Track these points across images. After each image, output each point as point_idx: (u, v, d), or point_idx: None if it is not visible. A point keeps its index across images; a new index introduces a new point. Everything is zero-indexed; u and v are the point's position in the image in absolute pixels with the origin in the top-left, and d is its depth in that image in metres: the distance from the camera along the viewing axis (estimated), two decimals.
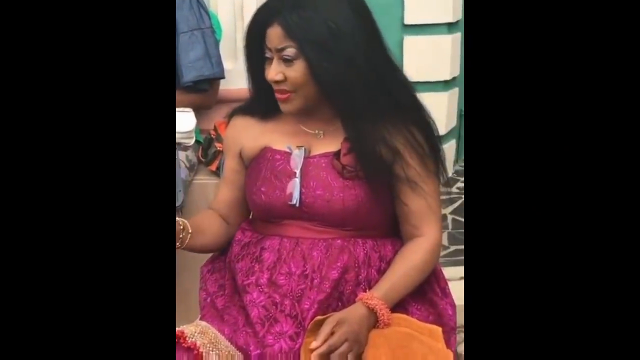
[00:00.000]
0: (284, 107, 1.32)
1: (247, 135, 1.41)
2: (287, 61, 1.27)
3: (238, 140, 1.42)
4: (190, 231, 1.35)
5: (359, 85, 1.27)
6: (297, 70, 1.27)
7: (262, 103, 1.38)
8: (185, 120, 2.20)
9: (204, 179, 2.25)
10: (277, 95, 1.31)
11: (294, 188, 1.32)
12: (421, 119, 1.35)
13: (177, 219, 1.34)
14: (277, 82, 1.29)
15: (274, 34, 1.27)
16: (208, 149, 2.32)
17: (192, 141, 2.23)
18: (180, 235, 1.34)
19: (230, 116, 1.45)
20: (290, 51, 1.27)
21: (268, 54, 1.30)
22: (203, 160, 2.31)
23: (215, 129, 2.33)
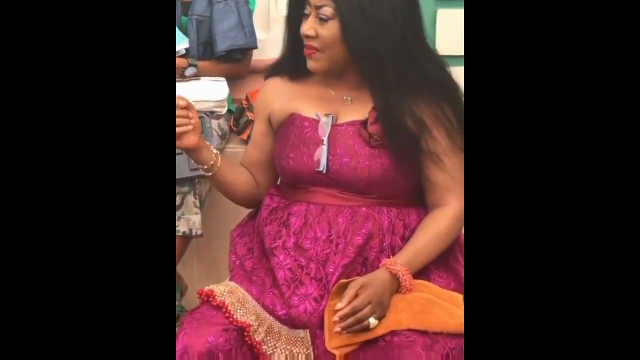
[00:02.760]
0: (310, 63, 1.35)
1: (276, 99, 1.44)
2: (323, 20, 1.31)
3: (268, 105, 1.45)
4: (219, 162, 1.39)
5: (389, 54, 1.29)
6: (329, 30, 1.31)
7: (293, 61, 1.41)
8: (218, 89, 2.25)
9: (235, 148, 2.30)
10: (305, 51, 1.35)
11: (322, 155, 1.35)
12: (452, 94, 1.37)
13: (213, 149, 1.39)
14: (308, 37, 1.33)
15: None
16: (240, 118, 2.36)
17: (225, 110, 2.29)
18: (211, 162, 1.38)
19: (266, 76, 1.48)
20: (327, 10, 1.30)
21: (307, 10, 1.33)
22: (235, 129, 2.36)
23: (247, 99, 2.37)
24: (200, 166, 1.40)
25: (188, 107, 1.33)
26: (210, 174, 1.40)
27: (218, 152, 1.41)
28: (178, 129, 1.31)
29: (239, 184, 1.46)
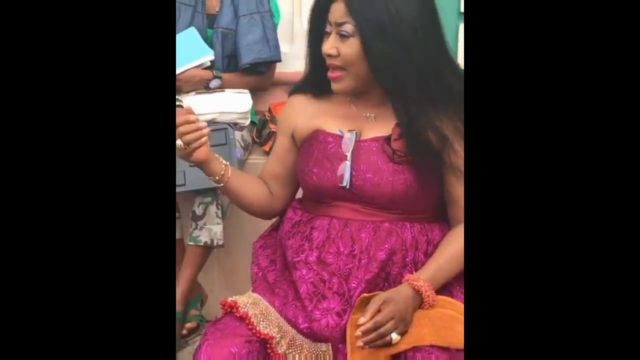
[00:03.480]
0: (334, 86, 1.37)
1: (301, 116, 1.45)
2: (344, 37, 1.32)
3: (292, 120, 1.47)
4: (229, 174, 1.41)
5: (411, 70, 1.30)
6: (351, 47, 1.32)
7: (317, 80, 1.42)
8: (241, 101, 2.28)
9: (257, 159, 2.32)
10: (329, 74, 1.36)
11: (345, 170, 1.36)
12: None
13: (222, 160, 1.42)
14: (330, 55, 1.34)
15: (337, 9, 1.32)
16: (262, 130, 2.38)
17: (248, 122, 2.31)
18: (221, 172, 1.41)
19: (290, 93, 1.50)
20: (347, 27, 1.31)
21: (328, 29, 1.35)
22: (257, 140, 2.38)
23: (269, 111, 2.39)
24: (210, 178, 1.42)
25: (197, 121, 1.35)
26: (221, 185, 1.42)
27: (227, 163, 1.43)
28: (193, 145, 1.33)
29: (251, 195, 1.47)
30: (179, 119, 1.33)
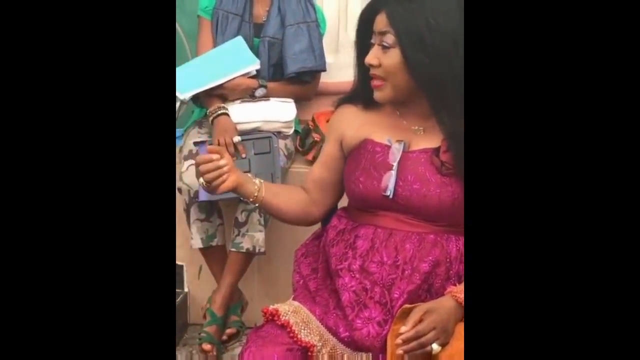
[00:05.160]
0: (376, 94, 1.38)
1: (349, 124, 1.46)
2: (385, 48, 1.33)
3: (341, 129, 1.48)
4: (264, 192, 1.42)
5: (453, 82, 1.29)
6: (392, 58, 1.32)
7: (365, 91, 1.43)
8: (286, 110, 2.30)
9: (300, 168, 2.33)
10: (372, 83, 1.37)
11: (390, 180, 1.36)
12: None
13: (255, 180, 1.44)
14: (372, 65, 1.35)
15: (380, 20, 1.34)
16: (306, 139, 2.39)
17: (292, 130, 2.33)
18: (255, 194, 1.42)
19: (337, 105, 1.51)
20: (389, 38, 1.32)
21: (373, 39, 1.36)
22: (300, 149, 2.39)
23: (313, 120, 2.40)
24: (244, 199, 1.43)
25: (220, 152, 1.36)
26: (257, 204, 1.44)
27: (262, 182, 1.44)
28: (214, 183, 1.35)
29: (287, 207, 1.48)
30: (198, 158, 1.36)
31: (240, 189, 1.40)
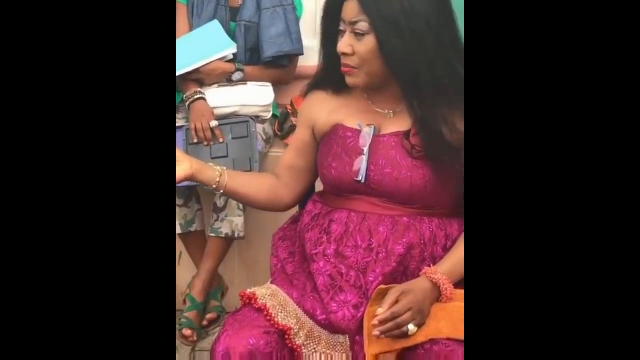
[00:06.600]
0: (348, 80, 1.36)
1: (320, 111, 1.46)
2: (359, 35, 1.31)
3: (312, 115, 1.48)
4: (226, 179, 1.42)
5: (425, 66, 1.29)
6: (366, 45, 1.31)
7: (332, 76, 1.42)
8: (263, 94, 2.29)
9: (279, 152, 2.34)
10: (343, 69, 1.36)
11: (361, 165, 1.36)
12: None
13: (217, 167, 1.44)
14: (345, 54, 1.33)
15: (350, 8, 1.32)
16: (284, 123, 2.39)
17: (270, 115, 2.33)
18: (217, 180, 1.41)
19: (307, 91, 1.51)
20: (362, 25, 1.31)
21: (342, 27, 1.34)
22: (279, 133, 2.39)
23: (291, 104, 2.40)
24: (206, 188, 1.42)
25: None
26: (220, 191, 1.43)
27: (224, 169, 1.43)
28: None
29: (255, 193, 1.48)
30: None
31: (198, 176, 1.39)
